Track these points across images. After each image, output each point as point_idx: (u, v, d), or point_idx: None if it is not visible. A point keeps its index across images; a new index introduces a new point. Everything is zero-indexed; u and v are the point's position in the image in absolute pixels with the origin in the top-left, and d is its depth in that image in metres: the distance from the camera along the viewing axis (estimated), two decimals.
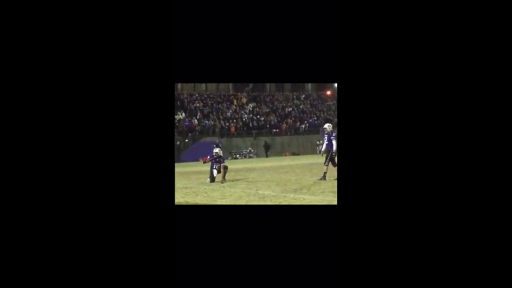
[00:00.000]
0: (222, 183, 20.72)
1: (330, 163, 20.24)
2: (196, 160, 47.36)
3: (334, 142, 20.25)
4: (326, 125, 21.42)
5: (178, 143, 52.58)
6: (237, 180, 22.31)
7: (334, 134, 20.39)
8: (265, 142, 58.09)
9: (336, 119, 61.05)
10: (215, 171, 21.65)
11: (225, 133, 58.72)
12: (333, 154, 20.18)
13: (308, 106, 68.93)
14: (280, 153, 59.37)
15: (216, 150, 22.31)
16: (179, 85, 59.43)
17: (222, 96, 64.56)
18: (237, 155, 56.81)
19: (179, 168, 35.18)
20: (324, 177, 20.04)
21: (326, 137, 20.78)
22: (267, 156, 56.12)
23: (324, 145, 20.70)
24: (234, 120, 60.77)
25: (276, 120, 62.90)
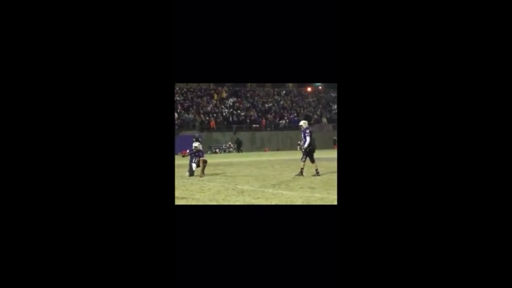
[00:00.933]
0: (201, 177, 21.05)
1: (308, 159, 20.47)
2: (175, 153, 47.05)
3: (308, 139, 20.54)
4: (301, 122, 21.68)
5: None
6: (216, 174, 22.55)
7: (308, 131, 20.80)
8: (237, 138, 57.77)
9: (315, 116, 61.11)
10: (194, 165, 21.90)
11: (205, 127, 58.52)
12: (305, 149, 20.54)
13: (289, 102, 68.87)
14: (260, 148, 59.27)
15: (196, 144, 22.55)
16: None
17: (203, 90, 64.27)
18: (217, 150, 56.68)
19: None
20: (301, 173, 20.38)
21: (302, 134, 20.99)
22: (239, 152, 55.85)
23: (309, 141, 20.76)
24: (214, 115, 60.57)
25: (256, 116, 62.75)
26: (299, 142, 20.99)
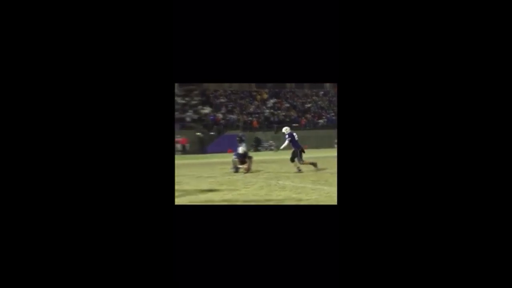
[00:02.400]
0: (245, 173, 21.12)
1: (299, 160, 21.37)
2: (222, 151, 46.87)
3: (286, 142, 22.17)
4: (284, 129, 23.02)
5: (202, 135, 52.25)
6: (259, 171, 22.54)
7: (287, 135, 22.08)
8: (256, 137, 56.45)
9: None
10: (237, 161, 21.98)
11: (247, 127, 58.20)
12: (295, 151, 21.63)
13: (327, 102, 68.28)
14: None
15: (240, 151, 22.50)
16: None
17: (245, 92, 64.09)
18: (259, 148, 56.20)
19: (205, 159, 35.09)
20: (299, 171, 21.06)
21: (289, 138, 21.87)
22: (257, 151, 54.81)
23: (286, 144, 22.20)
24: (256, 115, 60.32)
25: (296, 115, 62.29)
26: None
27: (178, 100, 55.80)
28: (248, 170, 21.38)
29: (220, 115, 57.48)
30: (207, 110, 56.95)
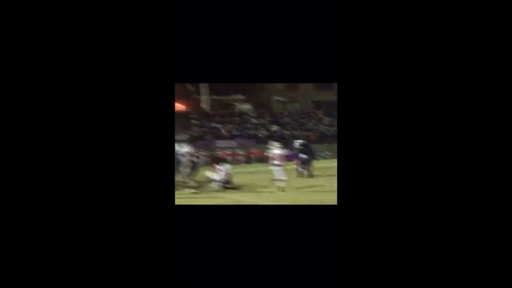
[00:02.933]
0: (307, 177, 20.27)
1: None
2: (288, 160, 45.51)
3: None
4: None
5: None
6: (317, 175, 21.58)
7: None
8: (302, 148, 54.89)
9: None
10: (299, 168, 21.54)
11: (307, 140, 56.84)
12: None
13: None
14: None
15: (302, 158, 21.45)
16: (274, 105, 58.29)
17: (305, 113, 62.98)
18: (316, 157, 54.49)
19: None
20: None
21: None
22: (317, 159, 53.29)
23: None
24: (314, 131, 58.95)
25: None
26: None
27: (253, 120, 55.12)
28: (310, 175, 20.57)
29: (286, 131, 56.32)
30: (275, 127, 55.92)
